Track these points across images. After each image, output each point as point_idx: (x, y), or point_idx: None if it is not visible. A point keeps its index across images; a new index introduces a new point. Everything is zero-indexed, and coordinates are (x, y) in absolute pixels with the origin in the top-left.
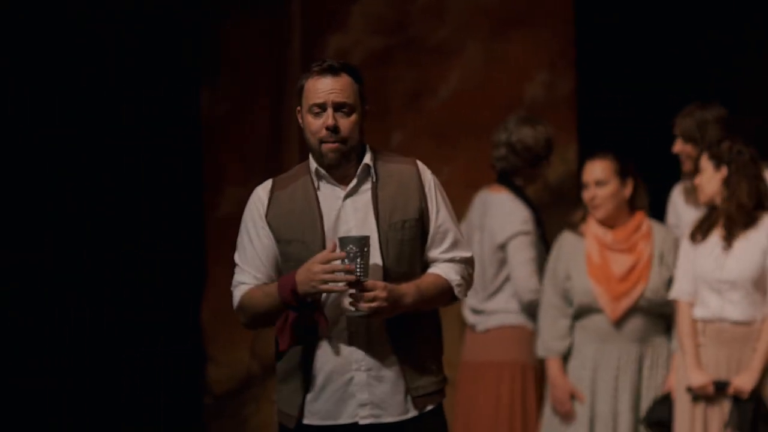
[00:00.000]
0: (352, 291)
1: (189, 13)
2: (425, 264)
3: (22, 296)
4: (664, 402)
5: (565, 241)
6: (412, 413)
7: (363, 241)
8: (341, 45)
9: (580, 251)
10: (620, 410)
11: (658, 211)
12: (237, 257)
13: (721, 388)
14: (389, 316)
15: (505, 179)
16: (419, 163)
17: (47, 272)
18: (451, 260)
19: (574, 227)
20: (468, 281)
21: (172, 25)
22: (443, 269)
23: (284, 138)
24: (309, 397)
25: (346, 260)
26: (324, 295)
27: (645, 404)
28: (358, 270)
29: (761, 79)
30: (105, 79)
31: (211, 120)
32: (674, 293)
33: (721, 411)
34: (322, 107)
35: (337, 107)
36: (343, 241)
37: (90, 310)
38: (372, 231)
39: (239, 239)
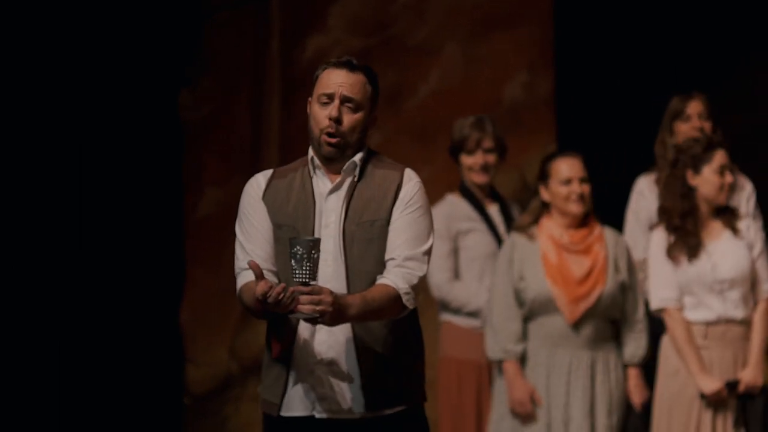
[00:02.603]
0: (298, 293)
1: (168, 15)
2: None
3: None
4: (643, 417)
5: (517, 243)
6: (371, 413)
7: (312, 244)
8: (321, 45)
9: (533, 253)
10: (573, 416)
11: None
12: (239, 232)
13: (732, 387)
14: (332, 324)
15: (461, 179)
16: (408, 170)
17: (25, 272)
18: (401, 264)
19: (524, 230)
20: (416, 287)
21: (152, 27)
22: (392, 278)
23: (264, 139)
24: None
25: (292, 261)
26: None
27: (600, 410)
28: (305, 272)
29: (741, 77)
30: (86, 80)
31: (191, 121)
32: (659, 302)
33: (729, 410)
34: (330, 98)
35: (344, 100)
36: (293, 243)
37: (69, 311)
38: (339, 228)
39: (239, 219)
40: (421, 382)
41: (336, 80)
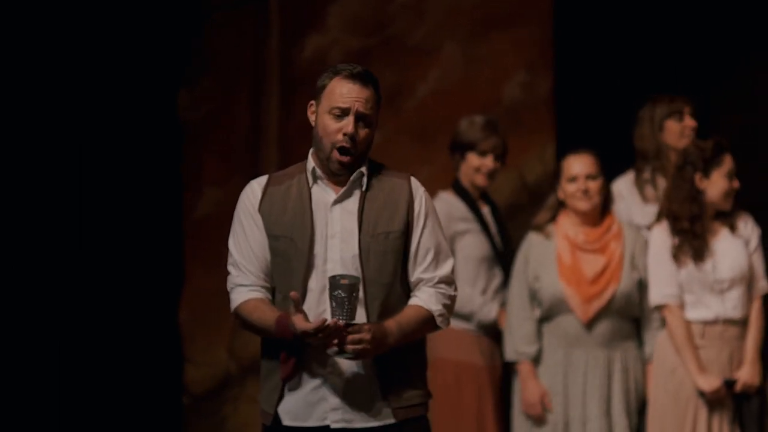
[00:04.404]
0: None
1: (168, 15)
2: (407, 282)
3: None
4: None
5: (533, 242)
6: (386, 422)
7: (352, 288)
8: (319, 45)
9: (549, 252)
10: (589, 416)
11: None
12: (232, 247)
13: (729, 386)
14: (373, 356)
15: (455, 178)
16: (414, 179)
17: (23, 272)
18: (434, 285)
19: (541, 228)
20: (450, 307)
21: (152, 27)
22: (424, 298)
23: (263, 139)
24: (286, 396)
25: (333, 303)
26: (307, 292)
27: (617, 409)
28: (345, 314)
29: (741, 77)
30: (85, 80)
31: (191, 121)
32: (660, 298)
33: (725, 410)
34: (345, 112)
35: (360, 117)
36: (333, 285)
37: (68, 310)
38: (354, 241)
39: (233, 231)
40: (428, 393)
41: (351, 94)
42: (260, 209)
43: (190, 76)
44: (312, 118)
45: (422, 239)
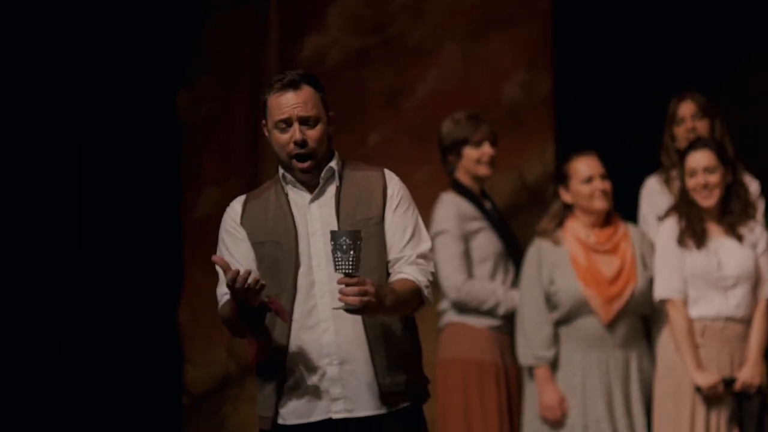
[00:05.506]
0: (342, 286)
1: (168, 15)
2: (387, 263)
3: None
4: None
5: (543, 248)
6: (385, 410)
7: (356, 235)
8: (319, 45)
9: (561, 255)
10: (617, 415)
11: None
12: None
13: (728, 384)
14: (374, 314)
15: (454, 179)
16: (387, 170)
17: (23, 272)
18: (414, 261)
19: (548, 234)
20: (432, 283)
21: (152, 27)
22: (410, 272)
23: (262, 138)
24: (284, 397)
25: (338, 252)
26: (297, 290)
27: (636, 408)
28: (350, 263)
29: (741, 77)
30: (85, 80)
31: (190, 121)
32: (664, 292)
33: (724, 409)
34: (288, 122)
35: (303, 121)
36: (336, 234)
37: (68, 310)
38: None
39: (218, 250)
40: (425, 378)
41: (287, 103)
42: (242, 223)
43: (190, 76)
44: (267, 135)
45: (398, 218)
